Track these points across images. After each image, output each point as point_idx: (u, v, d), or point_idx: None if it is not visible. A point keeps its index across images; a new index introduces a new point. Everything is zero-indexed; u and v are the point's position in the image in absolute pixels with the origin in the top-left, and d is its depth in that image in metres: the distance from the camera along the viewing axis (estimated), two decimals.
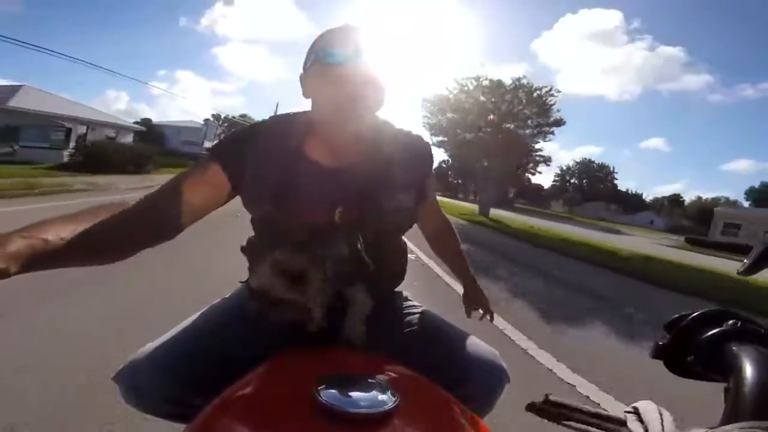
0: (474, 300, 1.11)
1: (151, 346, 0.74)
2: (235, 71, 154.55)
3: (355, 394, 0.48)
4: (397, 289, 0.94)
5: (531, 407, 0.39)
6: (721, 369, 0.37)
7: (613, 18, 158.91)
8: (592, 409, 0.37)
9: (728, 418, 0.31)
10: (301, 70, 0.79)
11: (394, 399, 0.48)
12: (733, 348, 0.37)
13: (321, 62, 0.73)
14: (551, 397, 0.39)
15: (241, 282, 0.91)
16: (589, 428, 0.36)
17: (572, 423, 0.37)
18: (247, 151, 0.75)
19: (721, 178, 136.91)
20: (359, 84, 0.71)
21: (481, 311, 1.11)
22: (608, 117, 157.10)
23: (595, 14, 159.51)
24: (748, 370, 0.34)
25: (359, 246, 0.72)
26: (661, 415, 0.34)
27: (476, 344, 0.82)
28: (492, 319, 1.10)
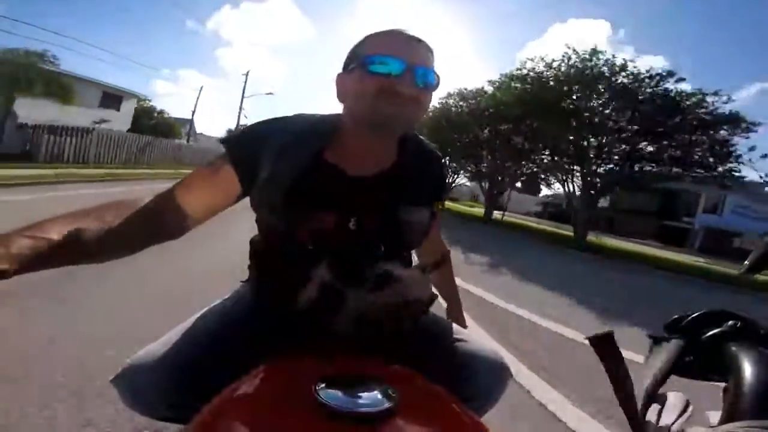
0: (454, 319, 1.08)
1: (149, 348, 0.72)
2: (236, 72, 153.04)
3: (355, 394, 0.48)
4: None
5: (593, 339, 0.40)
6: (721, 369, 0.37)
7: (600, 28, 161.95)
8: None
9: (728, 418, 0.32)
10: (339, 72, 0.75)
11: (393, 398, 0.48)
12: (733, 348, 0.37)
13: (368, 68, 0.67)
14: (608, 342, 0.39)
15: (243, 282, 0.90)
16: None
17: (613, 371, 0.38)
18: (262, 151, 0.71)
19: None
20: (407, 99, 0.67)
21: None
22: None
23: (582, 24, 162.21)
24: (748, 369, 0.34)
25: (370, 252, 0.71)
26: (685, 408, 0.34)
27: (478, 343, 0.82)
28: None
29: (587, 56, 12.46)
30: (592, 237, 14.41)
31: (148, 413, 0.73)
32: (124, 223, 0.61)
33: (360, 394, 0.48)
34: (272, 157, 0.70)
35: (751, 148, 11.03)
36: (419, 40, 0.69)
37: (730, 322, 0.40)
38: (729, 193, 23.56)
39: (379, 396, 0.48)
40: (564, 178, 14.47)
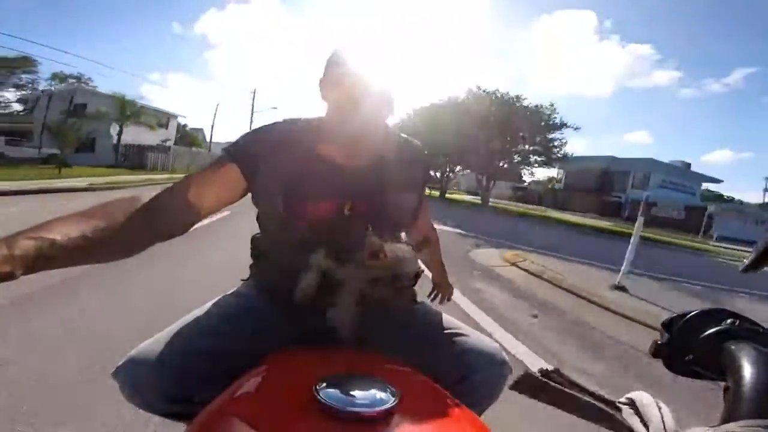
0: (440, 288, 1.23)
1: (151, 342, 0.73)
2: (225, 74, 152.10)
3: (355, 393, 0.48)
4: None
5: (516, 386, 0.39)
6: (720, 368, 0.36)
7: (587, 18, 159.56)
8: (581, 395, 0.37)
9: (727, 417, 0.31)
10: (320, 77, 0.82)
11: (393, 397, 0.48)
12: (732, 347, 0.37)
13: (338, 70, 0.76)
14: (533, 372, 0.39)
15: (243, 280, 0.92)
16: (587, 403, 0.36)
17: (565, 397, 0.37)
18: (261, 150, 0.77)
19: (704, 168, 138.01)
20: (372, 94, 0.74)
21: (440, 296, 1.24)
22: (587, 113, 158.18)
23: (569, 15, 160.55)
24: (747, 368, 0.33)
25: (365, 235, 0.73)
26: (659, 408, 0.34)
27: (478, 339, 0.83)
28: (448, 300, 1.25)
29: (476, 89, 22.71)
30: (495, 203, 25.93)
31: (147, 408, 0.74)
32: (130, 221, 0.62)
33: (360, 393, 0.48)
34: (271, 155, 0.76)
35: (564, 143, 22.67)
36: (382, 40, 0.78)
37: (729, 321, 0.39)
38: (654, 171, 33.11)
39: (379, 396, 0.48)
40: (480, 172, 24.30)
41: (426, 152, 0.93)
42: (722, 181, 43.13)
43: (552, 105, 21.74)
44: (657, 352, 0.42)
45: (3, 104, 24.70)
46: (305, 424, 0.46)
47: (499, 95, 21.88)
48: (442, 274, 1.22)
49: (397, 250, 0.75)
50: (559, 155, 22.60)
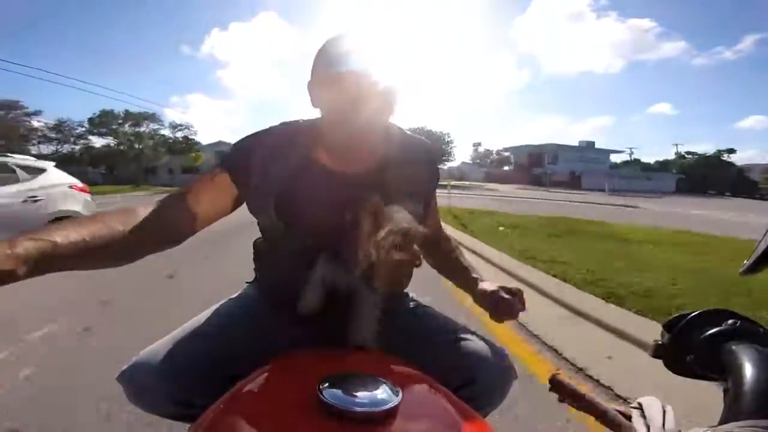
0: (495, 299, 0.82)
1: (155, 347, 0.74)
2: (240, 90, 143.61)
3: (358, 393, 0.48)
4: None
5: (552, 384, 0.40)
6: (720, 368, 0.37)
7: None
8: (601, 403, 0.37)
9: (727, 418, 0.31)
10: (308, 80, 0.77)
11: (396, 397, 0.48)
12: (732, 347, 0.37)
13: (326, 70, 0.71)
14: (561, 378, 0.39)
15: (248, 282, 0.91)
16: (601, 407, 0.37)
17: (584, 405, 0.38)
18: (254, 158, 0.74)
19: (740, 135, 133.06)
20: (365, 91, 0.69)
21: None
22: (602, 90, 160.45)
23: None
24: (747, 369, 0.34)
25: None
26: (664, 411, 0.34)
27: (483, 343, 0.82)
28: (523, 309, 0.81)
29: None
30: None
31: (152, 410, 0.75)
32: (129, 230, 0.63)
33: (364, 393, 0.48)
34: (264, 163, 0.74)
35: (453, 148, 46.17)
36: (374, 36, 0.72)
37: (729, 321, 0.39)
38: (560, 152, 50.56)
39: (383, 395, 0.48)
40: None
41: (433, 149, 0.87)
42: (623, 151, 59.90)
43: (443, 131, 42.70)
44: (657, 352, 0.42)
45: (139, 148, 35.54)
46: (309, 424, 0.46)
47: (418, 128, 35.97)
48: (469, 278, 0.90)
49: (398, 215, 0.65)
50: (449, 159, 45.86)
